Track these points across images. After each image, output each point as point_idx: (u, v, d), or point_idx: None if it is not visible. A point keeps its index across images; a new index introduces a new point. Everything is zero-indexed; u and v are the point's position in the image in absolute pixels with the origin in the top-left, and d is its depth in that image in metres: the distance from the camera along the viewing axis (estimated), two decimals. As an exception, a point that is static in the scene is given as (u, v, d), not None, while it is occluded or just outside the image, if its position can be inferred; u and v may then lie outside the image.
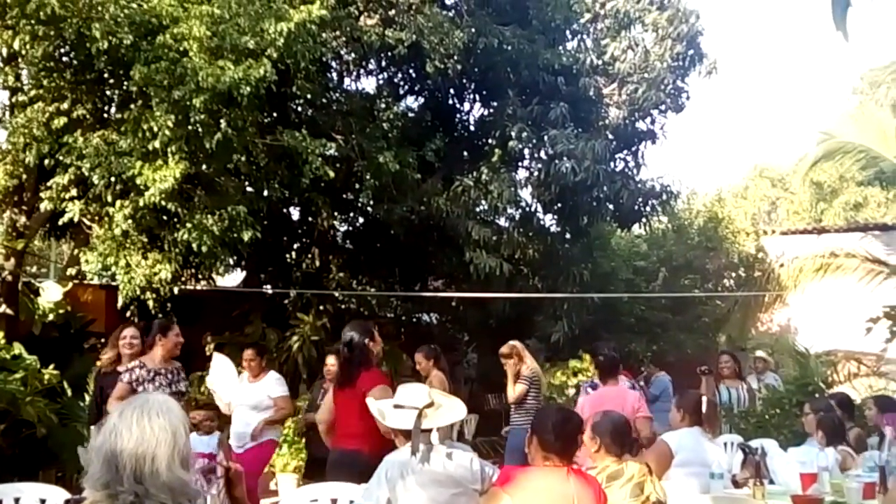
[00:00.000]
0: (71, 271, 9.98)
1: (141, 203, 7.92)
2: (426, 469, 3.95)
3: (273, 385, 7.30)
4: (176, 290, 8.65)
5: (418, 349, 8.24)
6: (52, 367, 8.43)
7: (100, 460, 2.27)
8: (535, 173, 11.87)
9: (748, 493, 5.28)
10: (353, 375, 5.45)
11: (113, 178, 8.05)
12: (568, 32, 12.49)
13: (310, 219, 12.14)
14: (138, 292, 8.38)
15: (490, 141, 12.09)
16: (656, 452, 5.45)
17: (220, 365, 7.45)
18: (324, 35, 9.17)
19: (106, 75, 8.57)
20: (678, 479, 5.37)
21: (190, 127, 8.01)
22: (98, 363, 6.94)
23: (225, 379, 7.37)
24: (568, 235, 12.67)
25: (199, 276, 10.83)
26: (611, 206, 12.01)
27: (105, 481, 2.25)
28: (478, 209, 11.44)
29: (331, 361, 8.54)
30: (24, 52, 7.98)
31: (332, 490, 4.92)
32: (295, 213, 12.17)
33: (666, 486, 4.80)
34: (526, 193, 12.32)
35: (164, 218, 8.44)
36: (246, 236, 8.46)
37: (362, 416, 4.96)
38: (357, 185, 10.72)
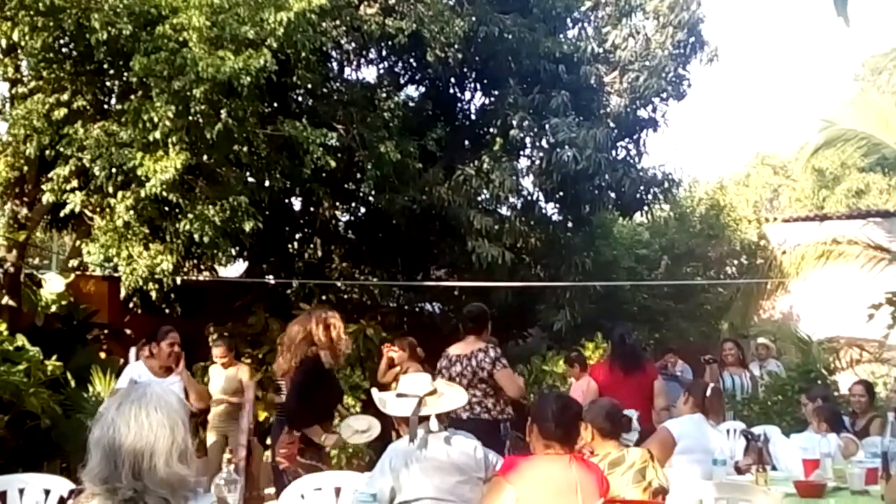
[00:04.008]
0: (73, 263, 9.98)
1: (142, 194, 7.91)
2: (430, 457, 3.96)
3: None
4: (178, 280, 8.66)
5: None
6: (55, 358, 8.44)
7: (98, 454, 2.27)
8: (537, 162, 11.83)
9: (751, 479, 5.30)
10: (641, 363, 7.15)
11: (114, 170, 8.04)
12: (569, 20, 12.44)
13: (311, 209, 12.13)
14: (140, 283, 8.38)
15: (491, 130, 12.05)
16: (658, 439, 5.47)
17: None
18: (324, 24, 9.13)
19: (106, 66, 8.54)
20: (681, 466, 5.40)
21: (190, 117, 8.00)
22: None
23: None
24: (570, 224, 12.64)
25: (201, 267, 10.83)
26: (612, 195, 11.98)
27: (104, 476, 2.25)
28: (479, 198, 11.41)
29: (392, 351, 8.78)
30: (23, 43, 7.96)
31: (336, 479, 4.94)
32: (296, 204, 12.15)
33: (669, 472, 4.82)
34: (527, 182, 12.29)
35: (166, 209, 8.43)
36: (247, 227, 8.46)
37: (647, 397, 6.84)
38: (358, 175, 10.70)
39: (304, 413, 5.69)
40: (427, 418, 4.09)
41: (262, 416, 9.57)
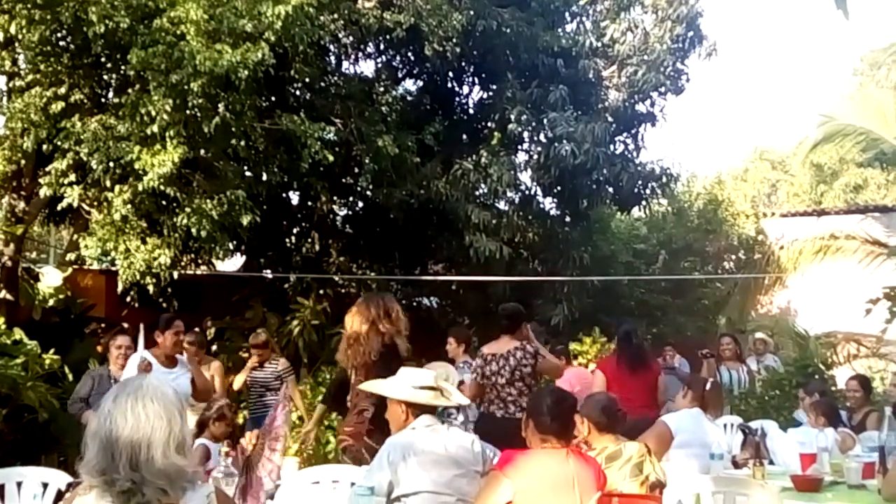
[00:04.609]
0: (70, 256, 9.97)
1: (140, 188, 7.91)
2: (428, 451, 3.96)
3: None
4: (176, 274, 8.65)
5: (450, 330, 8.42)
6: (52, 352, 8.43)
7: (96, 446, 2.26)
8: (535, 156, 11.84)
9: (748, 473, 5.29)
10: (647, 361, 7.48)
11: (111, 163, 8.04)
12: (567, 14, 12.44)
13: (309, 203, 12.13)
14: (138, 277, 8.37)
15: (489, 124, 12.05)
16: (656, 433, 5.46)
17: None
18: (322, 18, 9.13)
19: (103, 59, 8.53)
20: (678, 460, 5.39)
21: (188, 111, 7.99)
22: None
23: None
24: (568, 219, 12.65)
25: (199, 261, 10.82)
26: (610, 189, 11.99)
27: (101, 468, 2.25)
28: (477, 193, 11.42)
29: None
30: (20, 36, 7.95)
31: (334, 472, 4.94)
32: (294, 198, 12.16)
33: (666, 466, 4.83)
34: (525, 177, 12.30)
35: (163, 203, 8.42)
36: (245, 221, 8.45)
37: (653, 394, 7.20)
38: (356, 170, 10.70)
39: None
40: (435, 408, 4.13)
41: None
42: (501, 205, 12.02)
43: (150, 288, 8.55)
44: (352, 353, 5.80)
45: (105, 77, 8.97)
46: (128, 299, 9.10)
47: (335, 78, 11.30)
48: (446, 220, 11.46)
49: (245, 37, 8.03)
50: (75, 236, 9.56)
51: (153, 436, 2.26)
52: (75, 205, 8.44)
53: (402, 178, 10.67)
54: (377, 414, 5.89)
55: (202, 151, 8.59)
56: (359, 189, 11.48)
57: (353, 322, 5.92)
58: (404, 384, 4.21)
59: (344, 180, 11.56)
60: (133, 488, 2.23)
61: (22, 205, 9.25)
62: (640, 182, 12.04)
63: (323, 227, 12.51)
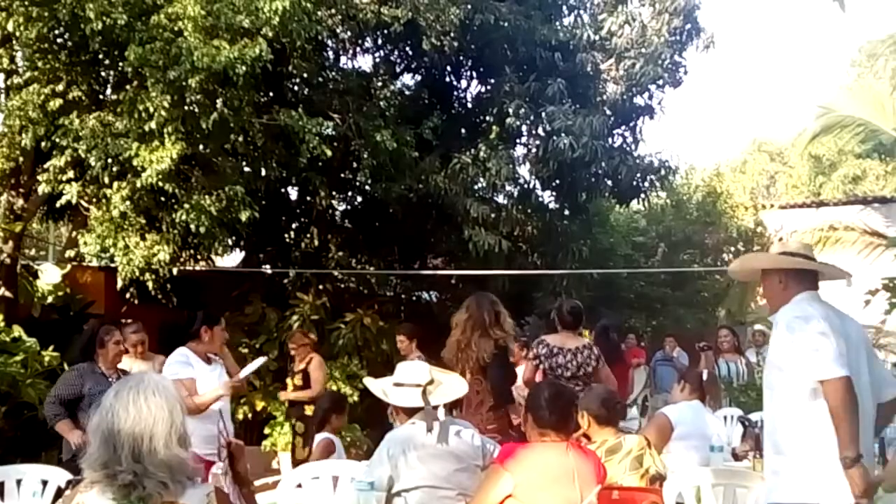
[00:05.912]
0: (69, 253, 9.96)
1: (138, 184, 7.89)
2: (427, 445, 3.96)
3: None
4: (175, 271, 8.65)
5: (399, 328, 8.41)
6: (51, 349, 8.43)
7: (97, 440, 2.28)
8: (534, 150, 11.82)
9: (748, 465, 5.31)
10: (622, 354, 8.22)
11: (110, 160, 8.02)
12: (564, 8, 12.41)
13: (308, 198, 12.11)
14: (137, 274, 8.37)
15: (487, 118, 12.03)
16: (656, 426, 5.48)
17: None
18: (319, 13, 9.11)
19: (101, 56, 8.50)
20: (678, 453, 5.41)
21: (186, 107, 7.98)
22: None
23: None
24: (567, 212, 12.64)
25: (198, 257, 10.81)
26: (609, 182, 11.97)
27: (103, 461, 2.26)
28: (476, 187, 11.40)
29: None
30: (18, 33, 7.92)
31: (334, 468, 4.95)
32: (293, 193, 12.14)
33: (666, 459, 4.84)
34: (524, 170, 12.28)
35: (162, 199, 8.42)
36: (244, 216, 8.44)
37: (625, 384, 7.91)
38: (355, 164, 10.68)
39: (510, 394, 6.14)
40: (436, 408, 4.10)
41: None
42: (500, 198, 12.00)
43: (150, 284, 8.55)
44: (464, 356, 5.92)
45: (103, 74, 8.94)
46: (127, 296, 9.10)
47: (333, 73, 11.27)
48: (445, 214, 11.45)
49: (242, 33, 8.01)
50: (74, 233, 9.55)
51: (155, 427, 2.29)
52: (74, 202, 8.42)
53: (401, 172, 10.66)
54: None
55: (200, 147, 8.58)
56: (357, 184, 11.46)
57: (466, 328, 6.00)
58: (389, 382, 4.21)
59: (342, 175, 11.56)
60: (134, 481, 2.24)
61: (20, 202, 9.23)
62: (638, 175, 12.03)
63: (322, 222, 12.50)
